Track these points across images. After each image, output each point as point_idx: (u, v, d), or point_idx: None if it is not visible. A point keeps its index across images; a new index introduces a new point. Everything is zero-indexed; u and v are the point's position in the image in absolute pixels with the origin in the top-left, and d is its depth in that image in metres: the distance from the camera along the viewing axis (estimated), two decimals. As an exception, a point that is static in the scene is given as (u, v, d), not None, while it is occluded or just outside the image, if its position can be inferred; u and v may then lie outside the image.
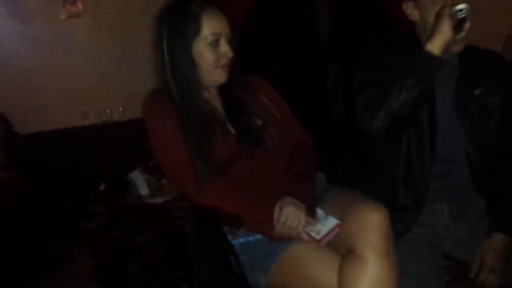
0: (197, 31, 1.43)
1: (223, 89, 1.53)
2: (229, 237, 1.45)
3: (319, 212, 1.39)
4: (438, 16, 1.39)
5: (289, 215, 1.33)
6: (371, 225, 1.26)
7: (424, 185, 1.48)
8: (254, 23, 5.01)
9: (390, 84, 1.41)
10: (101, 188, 3.33)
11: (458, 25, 1.37)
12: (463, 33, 1.40)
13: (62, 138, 4.74)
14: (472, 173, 1.50)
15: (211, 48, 1.44)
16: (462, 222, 1.50)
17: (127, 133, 4.83)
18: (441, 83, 1.49)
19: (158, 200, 2.79)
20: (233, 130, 1.48)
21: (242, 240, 1.44)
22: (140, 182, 2.92)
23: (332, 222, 1.34)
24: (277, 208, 1.36)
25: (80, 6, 4.77)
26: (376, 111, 1.42)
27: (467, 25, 1.38)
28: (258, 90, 1.57)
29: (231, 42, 1.46)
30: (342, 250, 1.30)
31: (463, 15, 1.36)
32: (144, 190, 2.91)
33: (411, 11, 1.55)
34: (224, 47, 1.44)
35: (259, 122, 1.48)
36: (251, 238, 1.44)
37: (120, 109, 4.97)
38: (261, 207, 1.38)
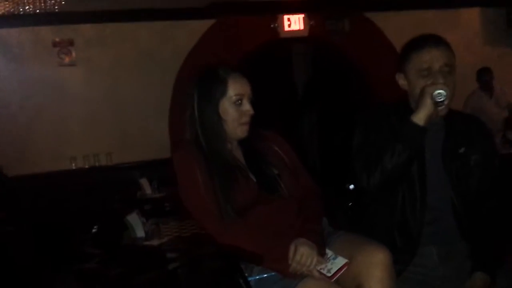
0: (224, 92, 1.67)
1: (243, 142, 1.74)
2: (246, 274, 1.61)
3: (329, 252, 1.58)
4: (421, 93, 1.64)
5: (303, 254, 1.51)
6: (377, 263, 1.46)
7: (417, 231, 1.69)
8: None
9: (385, 147, 1.64)
10: (94, 230, 3.41)
11: (438, 103, 1.63)
12: (443, 108, 1.66)
13: (49, 180, 4.80)
14: (457, 220, 1.72)
15: (235, 106, 1.67)
16: (449, 263, 1.70)
17: (114, 178, 4.97)
18: (430, 143, 1.72)
19: (155, 242, 2.91)
20: (253, 178, 1.68)
21: (257, 277, 1.61)
22: (137, 224, 3.03)
23: (341, 261, 1.52)
24: (292, 248, 1.53)
25: (74, 55, 4.98)
26: (373, 171, 1.65)
27: (446, 102, 1.64)
28: (272, 142, 1.79)
29: (252, 102, 1.69)
30: (351, 286, 1.49)
31: (440, 100, 1.61)
32: (140, 232, 3.02)
33: (402, 82, 1.79)
34: (246, 106, 1.69)
35: (276, 171, 1.69)
36: (266, 275, 1.60)
37: (108, 154, 5.10)
38: (277, 247, 1.56)
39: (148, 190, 4.57)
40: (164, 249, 2.82)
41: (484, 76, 5.43)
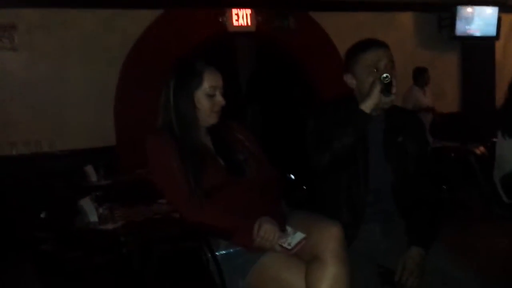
0: (199, 84, 1.82)
1: (212, 130, 1.89)
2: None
3: (288, 228, 1.76)
4: (373, 83, 1.87)
5: (266, 230, 1.69)
6: (331, 236, 1.66)
7: (361, 209, 1.93)
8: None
9: (334, 132, 1.85)
10: (42, 215, 3.41)
11: (385, 89, 1.86)
12: (391, 97, 1.89)
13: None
14: (396, 200, 1.97)
15: (209, 97, 1.83)
16: (390, 238, 1.95)
17: (57, 165, 4.90)
18: (373, 133, 1.96)
19: (109, 226, 2.97)
20: (222, 162, 1.84)
21: (224, 252, 1.77)
22: (90, 209, 3.08)
23: (299, 236, 1.71)
24: (256, 225, 1.70)
25: (16, 40, 4.84)
26: (323, 152, 1.87)
27: (393, 90, 1.88)
28: (237, 132, 1.96)
29: (223, 94, 1.84)
30: (308, 257, 1.68)
31: (387, 81, 1.84)
32: (93, 217, 3.06)
33: (350, 81, 2.03)
34: (219, 97, 1.85)
35: (242, 157, 1.85)
36: (232, 250, 1.77)
37: (50, 141, 5.02)
38: (244, 224, 1.72)
39: (94, 177, 4.56)
40: (119, 233, 2.90)
41: (423, 75, 5.99)
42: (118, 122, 5.37)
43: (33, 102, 5.01)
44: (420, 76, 6.06)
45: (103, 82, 5.27)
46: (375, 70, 1.91)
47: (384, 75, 1.83)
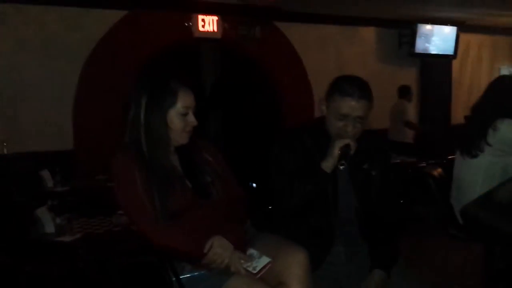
0: (173, 103, 1.77)
1: (180, 149, 1.85)
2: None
3: (254, 252, 1.76)
4: (333, 143, 1.90)
5: (215, 253, 1.68)
6: (296, 263, 1.68)
7: (330, 234, 1.95)
8: (148, 73, 5.31)
9: (298, 175, 1.89)
10: (-6, 223, 3.27)
11: (342, 160, 1.89)
12: (343, 166, 1.90)
13: None
14: (359, 224, 2.01)
15: (182, 117, 1.79)
16: (354, 261, 1.98)
17: (10, 168, 4.70)
18: None
19: (67, 238, 2.88)
20: (189, 184, 1.81)
21: (188, 275, 1.75)
22: (47, 219, 2.97)
23: (265, 260, 1.72)
24: (208, 245, 1.68)
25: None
26: (289, 197, 1.92)
27: (351, 152, 1.91)
28: (205, 151, 1.93)
29: (195, 114, 1.82)
30: (273, 282, 1.69)
31: (343, 166, 1.88)
32: (50, 228, 2.96)
33: (323, 109, 2.03)
34: (191, 118, 1.82)
35: (209, 179, 1.83)
36: (196, 273, 1.75)
37: (4, 143, 4.82)
38: (200, 245, 1.70)
39: (50, 183, 4.40)
40: (77, 246, 2.82)
41: (410, 91, 6.51)
42: (77, 125, 5.23)
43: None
44: (408, 92, 6.47)
45: (62, 82, 5.13)
46: (343, 118, 1.92)
47: (342, 163, 1.88)
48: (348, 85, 1.92)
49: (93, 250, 2.83)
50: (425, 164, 4.64)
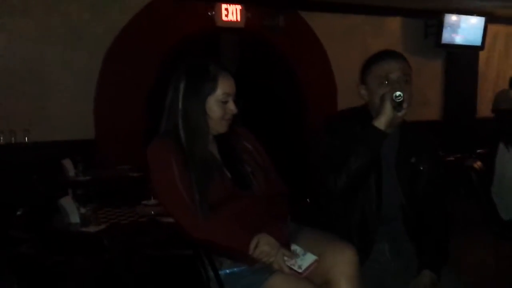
0: (213, 90, 1.66)
1: (219, 137, 1.75)
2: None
3: (298, 249, 1.65)
4: (382, 99, 1.78)
5: (262, 252, 1.57)
6: (346, 261, 1.56)
7: (373, 230, 1.83)
8: (168, 67, 5.25)
9: (348, 151, 1.76)
10: (19, 213, 3.21)
11: (397, 106, 1.77)
12: (402, 112, 1.80)
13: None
14: (406, 222, 1.89)
15: (221, 104, 1.68)
16: (399, 259, 1.86)
17: (32, 156, 4.66)
18: (386, 152, 1.86)
19: (92, 229, 2.80)
20: (228, 175, 1.70)
21: (227, 271, 1.64)
22: (72, 209, 2.90)
23: (311, 258, 1.60)
24: (253, 243, 1.58)
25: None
26: (338, 175, 1.76)
27: (404, 105, 1.78)
28: (244, 139, 1.82)
29: (235, 101, 1.71)
30: (319, 281, 1.57)
31: (400, 100, 1.75)
32: (74, 218, 2.89)
33: (363, 93, 1.93)
34: (231, 105, 1.70)
35: (249, 169, 1.72)
36: (235, 269, 1.64)
37: (26, 130, 4.78)
38: (247, 240, 1.60)
39: (71, 172, 4.34)
40: (102, 237, 2.73)
41: None
42: (98, 114, 5.16)
43: (9, 88, 4.75)
44: None
45: (85, 70, 5.06)
46: (386, 82, 1.82)
47: (397, 93, 1.73)
48: (379, 53, 1.89)
49: (119, 241, 2.75)
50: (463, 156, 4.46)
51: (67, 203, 2.93)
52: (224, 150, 1.75)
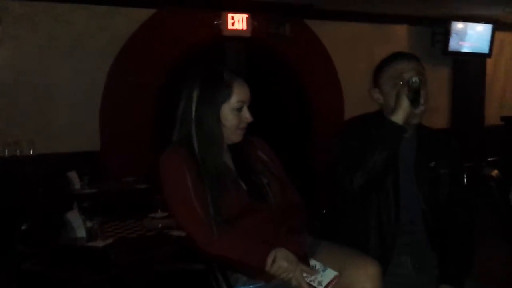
0: (227, 97, 1.60)
1: (233, 147, 1.68)
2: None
3: (317, 264, 1.57)
4: (398, 95, 1.71)
5: (279, 267, 1.49)
6: (369, 276, 1.48)
7: (392, 240, 1.74)
8: (173, 75, 5.21)
9: (365, 151, 1.68)
10: (23, 227, 3.14)
11: (414, 98, 1.68)
12: (419, 108, 1.72)
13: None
14: (427, 231, 1.80)
15: (236, 112, 1.62)
16: (422, 272, 1.78)
17: (37, 169, 4.60)
18: (403, 156, 1.79)
19: (99, 243, 2.73)
20: (244, 186, 1.63)
21: (243, 287, 1.56)
22: (78, 223, 2.83)
23: (331, 273, 1.52)
24: (270, 259, 1.50)
25: (0, 34, 4.54)
26: (355, 172, 1.68)
27: (421, 101, 1.71)
28: (259, 149, 1.75)
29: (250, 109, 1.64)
30: (341, 298, 1.49)
31: (416, 86, 1.67)
32: (81, 232, 2.81)
33: (377, 96, 1.88)
34: (246, 113, 1.64)
35: (265, 180, 1.65)
36: (251, 286, 1.56)
37: (30, 142, 4.72)
38: (263, 255, 1.52)
39: (77, 184, 4.27)
40: (109, 252, 2.66)
41: None
42: (104, 126, 5.10)
43: (14, 99, 4.71)
44: None
45: (90, 82, 5.00)
46: (400, 83, 1.76)
47: (413, 79, 1.67)
48: (392, 55, 1.85)
49: (126, 256, 2.67)
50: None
51: (73, 217, 2.86)
52: (238, 160, 1.68)
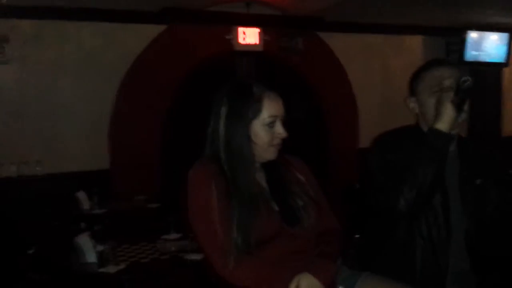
0: (257, 112, 1.47)
1: (267, 166, 1.54)
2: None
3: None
4: (439, 101, 1.56)
5: None
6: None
7: (444, 267, 1.58)
8: (184, 92, 5.10)
9: (408, 165, 1.53)
10: (30, 251, 3.01)
11: (460, 103, 1.53)
12: (462, 116, 1.57)
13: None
14: (469, 252, 1.64)
15: (268, 128, 1.48)
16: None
17: (46, 189, 4.47)
18: (447, 174, 1.63)
19: (111, 269, 2.58)
20: (276, 208, 1.48)
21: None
22: (88, 248, 2.69)
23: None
24: (293, 285, 1.37)
25: (7, 52, 4.47)
26: (401, 188, 1.51)
27: (466, 106, 1.57)
28: (297, 170, 1.61)
29: (284, 124, 1.50)
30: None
31: (468, 85, 1.51)
32: (91, 257, 2.67)
33: (413, 106, 1.74)
34: (279, 128, 1.50)
35: (301, 203, 1.50)
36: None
37: (38, 162, 4.60)
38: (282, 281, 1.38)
39: (86, 205, 4.15)
40: (123, 278, 2.51)
41: None
42: (113, 143, 4.99)
43: (22, 119, 4.62)
44: None
45: (99, 99, 4.91)
46: (439, 90, 1.62)
47: (464, 78, 1.52)
48: (428, 62, 1.75)
49: (140, 282, 2.52)
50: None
51: (84, 241, 2.73)
52: (273, 180, 1.54)
